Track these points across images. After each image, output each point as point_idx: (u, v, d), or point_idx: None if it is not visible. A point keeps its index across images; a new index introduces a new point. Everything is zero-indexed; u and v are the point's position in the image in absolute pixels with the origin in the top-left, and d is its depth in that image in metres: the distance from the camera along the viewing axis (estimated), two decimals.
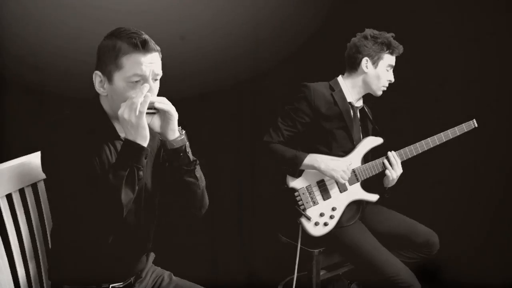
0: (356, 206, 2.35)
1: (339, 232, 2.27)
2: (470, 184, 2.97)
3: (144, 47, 1.41)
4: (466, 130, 2.36)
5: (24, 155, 1.66)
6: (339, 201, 2.29)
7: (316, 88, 2.29)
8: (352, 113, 2.35)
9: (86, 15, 2.33)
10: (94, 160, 1.47)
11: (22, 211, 1.61)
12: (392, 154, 2.31)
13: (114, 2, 2.41)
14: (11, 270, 1.57)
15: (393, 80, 2.36)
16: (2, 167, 1.58)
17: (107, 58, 1.43)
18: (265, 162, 2.34)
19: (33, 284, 1.64)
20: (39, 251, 1.66)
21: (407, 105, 2.96)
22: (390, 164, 2.30)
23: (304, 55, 2.88)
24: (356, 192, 2.33)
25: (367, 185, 2.37)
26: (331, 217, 2.26)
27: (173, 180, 1.57)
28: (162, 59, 1.49)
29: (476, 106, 2.78)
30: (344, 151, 2.33)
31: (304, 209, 2.25)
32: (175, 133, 1.49)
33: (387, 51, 2.31)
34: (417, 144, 2.33)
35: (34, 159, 1.66)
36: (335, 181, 2.27)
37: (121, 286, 1.62)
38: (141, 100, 1.39)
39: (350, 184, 2.30)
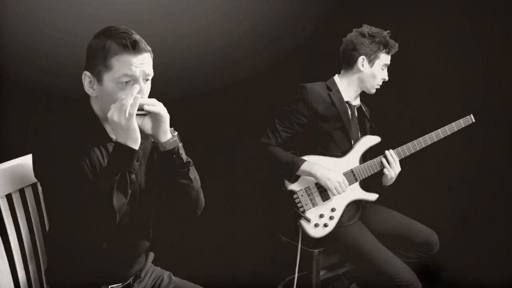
0: (355, 205, 2.35)
1: (339, 232, 2.27)
2: (470, 183, 2.97)
3: (134, 47, 1.38)
4: (463, 126, 2.35)
5: (24, 155, 1.66)
6: (338, 201, 2.29)
7: (313, 89, 2.28)
8: (350, 113, 2.35)
9: (86, 15, 2.33)
10: (85, 164, 1.43)
11: (22, 211, 1.61)
12: (389, 153, 2.30)
13: (114, 2, 2.41)
14: (11, 270, 1.57)
15: (387, 78, 2.36)
16: (2, 167, 1.57)
17: (96, 59, 1.40)
18: (262, 164, 2.33)
19: (33, 284, 1.64)
20: (39, 252, 1.66)
21: (404, 103, 2.96)
22: (388, 163, 2.29)
23: (303, 56, 2.88)
24: (355, 192, 2.32)
25: (366, 184, 2.37)
26: (331, 218, 2.26)
27: (166, 182, 1.54)
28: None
29: (474, 102, 2.79)
30: (342, 151, 2.33)
31: (304, 211, 2.25)
32: (167, 135, 1.46)
33: (383, 51, 2.30)
34: (415, 141, 2.33)
35: None
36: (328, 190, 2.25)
37: (120, 287, 1.61)
38: (131, 102, 1.35)
39: (349, 184, 2.29)
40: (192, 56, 2.61)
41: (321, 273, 2.34)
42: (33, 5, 2.25)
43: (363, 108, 2.45)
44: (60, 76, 2.30)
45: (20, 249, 1.60)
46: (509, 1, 2.81)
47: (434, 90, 2.96)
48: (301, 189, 2.26)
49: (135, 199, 1.56)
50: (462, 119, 2.35)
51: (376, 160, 2.32)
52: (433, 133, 2.33)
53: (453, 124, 2.35)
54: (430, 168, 2.93)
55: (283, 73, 2.84)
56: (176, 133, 1.50)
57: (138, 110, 1.38)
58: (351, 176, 2.30)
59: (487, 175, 2.96)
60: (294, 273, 2.29)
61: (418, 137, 2.33)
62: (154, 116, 1.43)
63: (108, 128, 1.52)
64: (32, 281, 1.64)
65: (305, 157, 2.26)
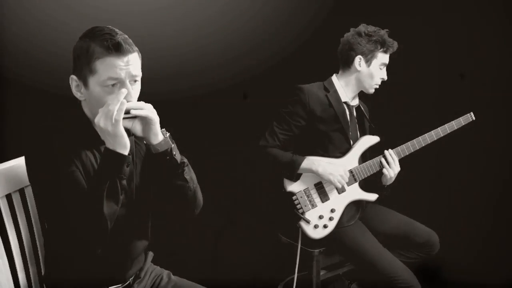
0: (355, 206, 2.35)
1: (340, 232, 2.27)
2: (471, 183, 2.97)
3: (117, 49, 1.34)
4: (463, 124, 2.34)
5: (23, 155, 1.66)
6: (338, 202, 2.28)
7: (310, 91, 2.27)
8: (348, 113, 2.35)
9: (86, 15, 2.33)
10: (78, 169, 1.41)
11: (22, 211, 1.61)
12: (389, 153, 2.30)
13: (114, 2, 2.41)
14: (10, 270, 1.57)
15: (385, 78, 2.34)
16: (2, 167, 1.58)
17: (81, 62, 1.37)
18: (261, 167, 2.32)
19: (33, 284, 1.64)
20: (39, 252, 1.66)
21: (404, 102, 2.95)
22: (388, 163, 2.29)
23: (303, 56, 2.88)
24: (355, 193, 2.32)
25: (366, 184, 2.37)
26: (330, 219, 2.26)
27: (162, 183, 1.52)
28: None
29: (474, 101, 2.78)
30: (340, 152, 2.32)
31: (303, 213, 2.24)
32: (158, 137, 1.42)
33: (381, 50, 2.29)
34: (415, 140, 2.32)
35: None
36: (332, 184, 2.26)
37: (119, 287, 1.61)
38: (117, 108, 1.31)
39: (348, 184, 2.29)
40: (190, 57, 2.61)
41: (321, 273, 2.34)
42: (33, 5, 2.25)
43: (362, 108, 2.45)
44: (60, 76, 2.29)
45: (20, 249, 1.60)
46: (509, 1, 2.81)
47: (434, 88, 2.96)
48: (300, 191, 2.26)
49: (132, 200, 1.55)
50: (462, 117, 2.34)
51: (375, 160, 2.32)
52: (432, 132, 2.33)
53: (453, 122, 2.34)
54: (430, 168, 2.93)
55: (282, 73, 2.84)
56: (168, 134, 1.47)
57: (126, 113, 1.34)
58: (350, 176, 2.29)
59: (487, 175, 2.96)
60: (294, 273, 2.29)
61: (418, 136, 2.32)
62: (144, 119, 1.40)
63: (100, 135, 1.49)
64: (32, 281, 1.64)
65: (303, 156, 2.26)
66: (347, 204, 2.30)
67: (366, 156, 2.37)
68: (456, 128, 2.34)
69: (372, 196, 2.34)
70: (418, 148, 2.32)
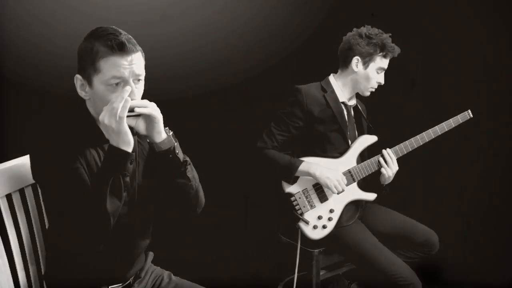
0: (355, 205, 2.35)
1: (339, 232, 2.27)
2: (470, 183, 2.97)
3: (121, 49, 1.36)
4: (461, 121, 2.34)
5: (23, 155, 1.66)
6: (337, 202, 2.28)
7: (308, 91, 2.26)
8: (346, 113, 2.34)
9: (86, 14, 2.33)
10: (82, 166, 1.43)
11: (22, 211, 1.61)
12: (386, 152, 2.29)
13: (114, 2, 2.41)
14: (10, 270, 1.57)
15: (383, 82, 2.32)
16: (2, 167, 1.58)
17: (86, 62, 1.39)
18: (259, 168, 2.32)
19: (33, 284, 1.64)
20: (39, 251, 1.66)
21: (402, 101, 2.96)
22: (386, 162, 2.28)
23: (302, 56, 2.88)
24: (353, 192, 2.32)
25: (365, 184, 2.37)
26: (329, 219, 2.26)
27: (164, 182, 1.54)
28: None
29: (471, 101, 2.78)
30: (339, 152, 2.32)
31: (302, 213, 2.24)
32: (161, 135, 1.44)
33: (380, 54, 2.27)
34: (412, 139, 2.32)
35: None
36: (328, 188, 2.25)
37: (120, 287, 1.61)
38: (121, 105, 1.34)
39: (347, 184, 2.29)
40: (189, 57, 2.61)
41: (321, 273, 2.34)
42: (33, 5, 2.25)
43: (360, 107, 2.44)
44: (60, 76, 2.30)
45: (20, 249, 1.60)
46: (508, 1, 2.81)
47: (431, 87, 2.96)
48: (299, 192, 2.25)
49: (134, 200, 1.56)
50: (460, 114, 2.34)
51: (373, 160, 2.32)
52: (430, 130, 2.32)
53: (451, 120, 2.33)
54: (430, 168, 2.93)
55: (283, 74, 2.84)
56: (171, 132, 1.48)
57: (130, 111, 1.37)
58: (348, 176, 2.29)
59: (487, 175, 2.96)
60: (294, 273, 2.29)
61: (416, 135, 2.32)
62: (148, 117, 1.41)
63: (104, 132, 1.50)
64: (32, 281, 1.64)
65: (302, 159, 2.25)
66: (346, 204, 2.30)
67: (364, 155, 2.37)
68: (454, 126, 2.33)
69: (371, 196, 2.34)
70: (416, 146, 2.32)
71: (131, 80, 1.39)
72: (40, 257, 1.67)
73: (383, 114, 2.64)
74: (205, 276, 1.92)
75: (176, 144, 1.48)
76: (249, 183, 2.94)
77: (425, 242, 2.34)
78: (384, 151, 2.29)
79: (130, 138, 1.37)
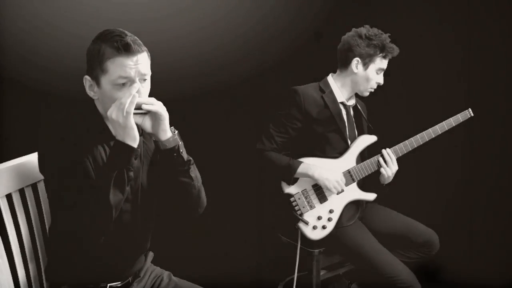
0: (355, 205, 2.35)
1: (339, 232, 2.27)
2: (470, 183, 2.97)
3: (126, 49, 1.41)
4: (462, 120, 2.33)
5: (24, 155, 1.67)
6: (336, 203, 2.28)
7: (305, 93, 2.26)
8: (345, 113, 2.34)
9: (86, 15, 2.33)
10: (88, 160, 1.47)
11: (22, 211, 1.61)
12: (386, 152, 2.28)
13: (114, 2, 2.41)
14: (11, 270, 1.57)
15: (382, 83, 2.32)
16: (2, 167, 1.58)
17: (93, 63, 1.45)
18: (259, 170, 2.33)
19: (33, 284, 1.64)
20: (39, 251, 1.66)
21: (402, 100, 2.96)
22: (385, 162, 2.28)
23: (302, 56, 2.88)
24: (353, 193, 2.32)
25: (364, 184, 2.37)
26: (329, 219, 2.26)
27: (168, 180, 1.57)
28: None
29: (471, 100, 2.79)
30: (338, 152, 2.32)
31: (301, 214, 2.24)
32: (167, 133, 1.48)
33: (380, 54, 2.26)
34: (412, 139, 2.31)
35: (34, 159, 1.66)
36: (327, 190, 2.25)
37: (119, 285, 1.62)
38: (129, 100, 1.39)
39: (347, 184, 2.29)
40: (189, 57, 2.61)
41: (321, 273, 2.34)
42: (33, 5, 2.25)
43: (359, 107, 2.44)
44: (61, 76, 2.30)
45: (20, 249, 1.61)
46: (508, 1, 2.81)
47: (431, 87, 2.96)
48: (298, 192, 2.25)
49: (137, 198, 1.59)
50: (460, 113, 2.33)
51: (373, 160, 2.31)
52: (430, 130, 2.31)
53: (451, 119, 2.33)
54: (430, 168, 2.93)
55: (283, 74, 2.84)
56: (176, 131, 1.52)
57: (137, 109, 1.41)
58: (348, 176, 2.29)
59: (487, 175, 2.96)
60: (294, 273, 2.29)
61: (416, 134, 2.32)
62: (154, 115, 1.45)
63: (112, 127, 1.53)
64: (32, 281, 1.64)
65: (301, 159, 2.25)
66: (346, 204, 2.30)
67: (364, 155, 2.37)
68: (454, 125, 2.33)
69: (371, 196, 2.34)
70: (416, 146, 2.32)
71: (137, 79, 1.44)
72: (40, 257, 1.67)
73: (383, 114, 2.64)
74: (205, 276, 1.92)
75: (180, 143, 1.52)
76: (249, 183, 2.94)
77: (425, 242, 2.34)
78: (383, 151, 2.29)
79: (136, 133, 1.42)
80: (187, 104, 2.60)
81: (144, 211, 1.63)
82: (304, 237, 2.26)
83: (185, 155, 1.54)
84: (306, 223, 2.23)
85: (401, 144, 2.32)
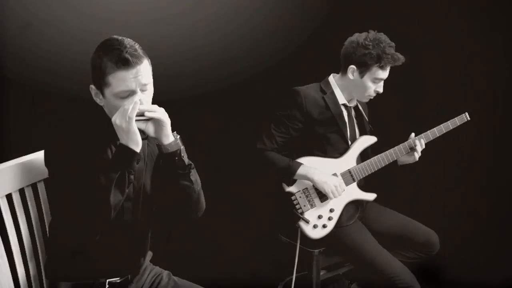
0: (355, 205, 2.35)
1: (339, 232, 2.27)
2: (470, 183, 2.97)
3: (125, 64, 1.45)
4: (458, 124, 2.34)
5: (24, 155, 1.67)
6: (337, 202, 2.28)
7: (307, 93, 2.25)
8: (346, 114, 2.34)
9: (86, 14, 2.33)
10: (92, 160, 1.50)
11: (22, 211, 1.62)
12: (419, 143, 2.29)
13: (114, 2, 2.41)
14: (11, 270, 1.57)
15: (381, 91, 2.28)
16: (2, 167, 1.58)
17: (96, 75, 1.50)
18: (259, 169, 2.32)
19: (33, 284, 1.64)
20: (39, 251, 1.67)
21: (401, 102, 2.96)
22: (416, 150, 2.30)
23: (303, 56, 2.88)
24: (353, 192, 2.32)
25: (365, 184, 2.37)
26: (329, 218, 2.26)
27: (169, 183, 1.61)
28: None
29: (469, 102, 2.79)
30: (339, 152, 2.32)
31: (302, 213, 2.24)
32: (169, 138, 1.54)
33: (376, 65, 2.19)
34: (411, 140, 2.32)
35: (35, 159, 1.67)
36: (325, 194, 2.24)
37: (118, 281, 1.64)
38: (131, 107, 1.45)
39: (347, 184, 2.29)
40: (189, 57, 2.62)
41: (321, 273, 2.34)
42: (33, 5, 2.25)
43: (360, 107, 2.44)
44: (60, 76, 2.30)
45: (20, 249, 1.61)
46: (507, 1, 2.81)
47: (430, 89, 2.97)
48: (299, 191, 2.26)
49: (139, 198, 1.63)
50: (457, 117, 2.35)
51: (373, 160, 2.31)
52: (429, 132, 2.33)
53: (449, 122, 2.34)
54: (430, 168, 2.93)
55: (283, 74, 2.84)
56: (178, 136, 1.58)
57: (141, 115, 1.47)
58: (348, 176, 2.30)
59: (487, 175, 2.96)
60: (294, 273, 2.29)
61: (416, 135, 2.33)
62: (156, 121, 1.51)
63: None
64: (32, 280, 1.64)
65: (302, 159, 2.25)
66: (346, 204, 2.30)
67: (364, 156, 2.37)
68: (451, 127, 2.34)
69: (371, 196, 2.34)
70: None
71: (138, 90, 1.49)
72: (40, 257, 1.67)
73: (383, 115, 2.64)
74: (205, 276, 1.92)
75: (182, 147, 1.57)
76: (249, 183, 2.94)
77: (425, 242, 2.34)
78: (417, 141, 2.29)
79: (138, 138, 1.47)
80: (185, 104, 2.60)
81: (145, 211, 1.67)
82: (304, 237, 2.26)
83: (186, 159, 1.59)
84: (307, 221, 2.23)
85: (400, 146, 2.32)
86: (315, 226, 2.25)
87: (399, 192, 2.44)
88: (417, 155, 2.31)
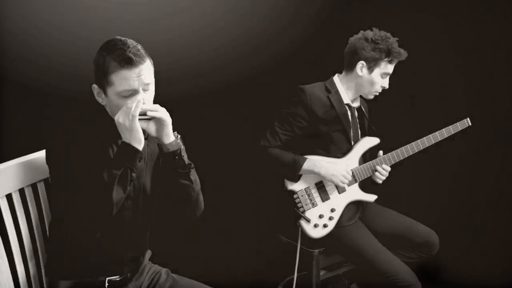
0: (355, 205, 2.35)
1: (340, 232, 2.27)
2: (470, 184, 2.97)
3: (128, 63, 1.47)
4: (460, 129, 2.36)
5: (24, 155, 1.67)
6: (338, 202, 2.28)
7: (312, 92, 2.26)
8: (349, 114, 2.34)
9: (86, 14, 2.33)
10: (95, 157, 1.52)
11: (22, 211, 1.62)
12: (381, 168, 2.29)
13: (115, 2, 2.41)
14: (11, 269, 1.57)
15: (387, 87, 2.31)
16: (2, 167, 1.58)
17: (99, 74, 1.52)
18: (262, 167, 2.33)
19: (33, 283, 1.64)
20: (39, 251, 1.67)
21: (404, 105, 2.96)
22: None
23: (303, 56, 2.88)
24: (355, 193, 2.32)
25: (366, 185, 2.37)
26: (330, 218, 2.26)
27: (169, 182, 1.63)
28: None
29: (472, 105, 2.79)
30: (342, 152, 2.32)
31: (303, 211, 2.25)
32: (170, 137, 1.56)
33: (385, 59, 2.24)
34: (413, 143, 2.32)
35: (35, 159, 1.67)
36: (335, 185, 2.26)
37: (117, 279, 1.65)
38: (134, 105, 1.47)
39: (349, 185, 2.29)
40: (191, 56, 2.61)
41: (321, 273, 2.34)
42: (33, 5, 2.25)
43: (363, 108, 2.44)
44: (61, 76, 2.30)
45: (20, 249, 1.61)
46: (507, 4, 2.81)
47: (432, 93, 2.97)
48: (301, 189, 2.26)
49: (139, 197, 1.65)
50: (459, 122, 2.36)
51: (375, 162, 2.32)
52: (430, 136, 2.34)
53: (450, 127, 2.35)
54: (430, 168, 2.93)
55: (283, 74, 2.84)
56: (179, 136, 1.60)
57: (143, 115, 1.50)
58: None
59: (487, 175, 2.96)
60: (294, 273, 2.29)
61: (417, 139, 2.33)
62: (158, 121, 1.53)
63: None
64: (32, 281, 1.64)
65: (306, 157, 2.26)
66: (347, 204, 2.30)
67: (366, 157, 2.37)
68: (453, 132, 2.36)
69: (372, 197, 2.35)
70: (416, 151, 2.33)
71: (141, 89, 1.51)
72: (40, 256, 1.67)
73: (384, 116, 2.64)
74: (205, 276, 1.92)
75: (182, 147, 1.60)
76: (249, 183, 2.94)
77: (425, 242, 2.34)
78: (378, 168, 2.29)
79: (141, 136, 1.50)
80: (187, 104, 2.60)
81: (144, 210, 1.68)
82: (304, 237, 2.26)
83: (186, 159, 1.61)
84: (308, 220, 2.24)
85: (402, 148, 2.33)
86: (316, 225, 2.25)
87: (399, 192, 2.44)
88: (379, 180, 2.32)
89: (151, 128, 1.53)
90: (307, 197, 2.26)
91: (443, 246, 2.39)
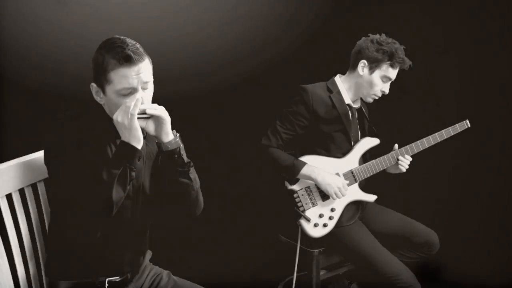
0: (355, 205, 2.35)
1: (339, 232, 2.27)
2: (470, 183, 2.97)
3: (127, 61, 1.46)
4: (459, 130, 2.37)
5: (24, 155, 1.67)
6: (338, 202, 2.28)
7: (314, 91, 2.26)
8: (350, 115, 2.34)
9: (86, 14, 2.33)
10: (93, 157, 1.51)
11: (22, 211, 1.62)
12: (404, 159, 2.32)
13: (115, 2, 2.41)
14: (11, 269, 1.57)
15: (387, 92, 2.31)
16: (2, 167, 1.58)
17: (98, 73, 1.51)
18: (262, 165, 2.33)
19: (33, 283, 1.64)
20: (39, 251, 1.67)
21: (403, 106, 2.96)
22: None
23: (304, 56, 2.88)
24: (355, 193, 2.32)
25: (366, 185, 2.38)
26: (330, 218, 2.26)
27: (168, 181, 1.62)
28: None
29: (470, 107, 2.79)
30: (342, 152, 2.33)
31: (303, 211, 2.25)
32: (169, 136, 1.55)
33: (387, 62, 2.25)
34: (413, 144, 2.33)
35: (35, 159, 1.67)
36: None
37: (117, 280, 1.64)
38: (133, 104, 1.46)
39: (349, 185, 2.29)
40: (190, 56, 2.62)
41: (321, 273, 2.34)
42: (33, 5, 2.25)
43: (363, 109, 2.44)
44: (60, 76, 2.30)
45: (20, 249, 1.61)
46: (507, 5, 2.81)
47: (432, 94, 2.97)
48: (302, 189, 2.26)
49: (138, 196, 1.64)
50: (458, 124, 2.37)
51: (375, 162, 2.32)
52: (430, 137, 2.34)
53: (450, 128, 2.36)
54: (430, 168, 2.93)
55: (283, 73, 2.84)
56: (178, 134, 1.59)
57: (142, 113, 1.48)
58: (350, 177, 2.30)
59: (487, 175, 2.96)
60: (294, 273, 2.29)
61: (416, 140, 2.33)
62: (157, 119, 1.52)
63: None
64: (32, 280, 1.64)
65: (305, 157, 2.26)
66: (347, 204, 2.30)
67: (366, 157, 2.37)
68: (452, 134, 2.36)
69: (372, 197, 2.35)
70: (416, 151, 2.34)
71: (139, 88, 1.50)
72: (40, 256, 1.67)
73: (385, 118, 2.65)
74: (205, 276, 1.92)
75: (181, 145, 1.59)
76: (249, 183, 2.94)
77: (425, 242, 2.34)
78: (401, 157, 2.32)
79: (140, 135, 1.48)
80: (187, 104, 2.60)
81: (144, 209, 1.67)
82: (304, 237, 2.26)
83: (185, 157, 1.60)
84: (308, 219, 2.24)
85: (402, 149, 2.33)
86: (315, 225, 2.25)
87: (399, 192, 2.44)
88: (403, 168, 2.34)
89: (150, 126, 1.53)
90: (307, 197, 2.26)
91: (443, 246, 2.39)
